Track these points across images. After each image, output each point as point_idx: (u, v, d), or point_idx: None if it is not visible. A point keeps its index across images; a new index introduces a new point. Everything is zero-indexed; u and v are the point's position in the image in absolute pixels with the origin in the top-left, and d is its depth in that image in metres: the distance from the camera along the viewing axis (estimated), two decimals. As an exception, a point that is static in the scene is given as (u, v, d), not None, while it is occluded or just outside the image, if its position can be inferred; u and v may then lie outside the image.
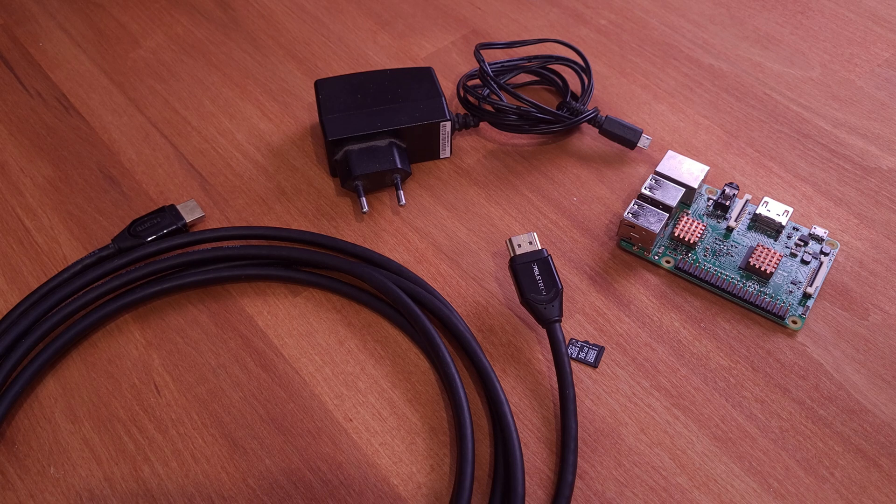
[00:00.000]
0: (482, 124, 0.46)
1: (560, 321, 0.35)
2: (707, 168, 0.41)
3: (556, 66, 0.48)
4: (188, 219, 0.41)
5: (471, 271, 0.40)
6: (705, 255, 0.39)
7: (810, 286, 0.38)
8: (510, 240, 0.37)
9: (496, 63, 0.47)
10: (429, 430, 0.35)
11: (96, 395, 0.36)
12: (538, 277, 0.36)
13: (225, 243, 0.41)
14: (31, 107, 0.48)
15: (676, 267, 0.39)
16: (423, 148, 0.44)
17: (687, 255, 0.40)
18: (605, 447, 0.34)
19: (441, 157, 0.45)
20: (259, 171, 0.44)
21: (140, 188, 0.44)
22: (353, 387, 0.36)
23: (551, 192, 0.43)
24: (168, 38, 0.52)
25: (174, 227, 0.41)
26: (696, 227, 0.39)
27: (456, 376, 0.34)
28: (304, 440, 0.35)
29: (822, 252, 0.39)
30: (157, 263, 0.39)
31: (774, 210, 0.40)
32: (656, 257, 0.40)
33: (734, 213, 0.41)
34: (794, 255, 0.39)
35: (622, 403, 0.35)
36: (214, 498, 0.33)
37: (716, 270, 0.39)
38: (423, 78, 0.44)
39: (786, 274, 0.39)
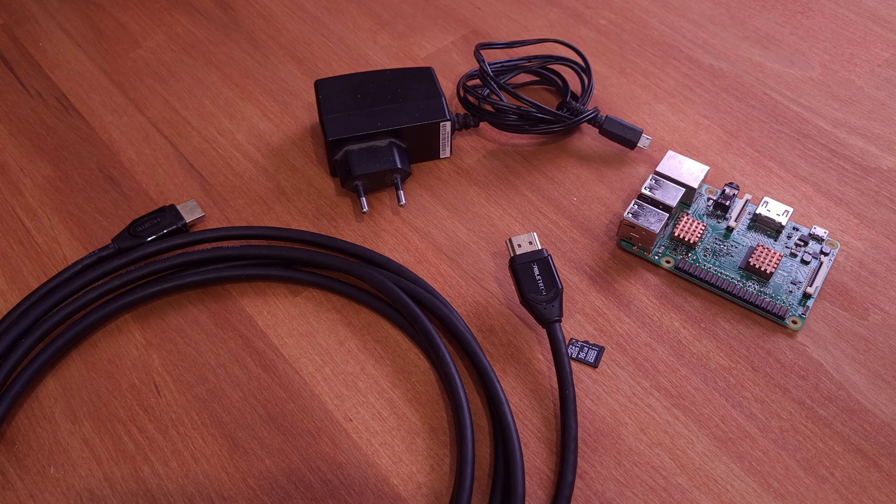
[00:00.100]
0: (482, 124, 0.46)
1: (560, 321, 0.35)
2: (707, 168, 0.41)
3: (556, 66, 0.48)
4: (188, 219, 0.41)
5: (471, 271, 0.40)
6: (705, 255, 0.39)
7: (810, 286, 0.38)
8: (510, 240, 0.37)
9: (496, 63, 0.47)
10: (429, 430, 0.35)
11: (96, 395, 0.36)
12: (538, 277, 0.36)
13: (225, 243, 0.41)
14: (31, 107, 0.48)
15: (676, 267, 0.39)
16: (423, 148, 0.44)
17: (687, 255, 0.40)
18: (605, 447, 0.34)
19: (441, 157, 0.45)
20: (259, 171, 0.44)
21: (140, 188, 0.44)
22: (353, 387, 0.36)
23: (551, 192, 0.43)
24: (168, 38, 0.52)
25: (174, 227, 0.41)
26: (696, 227, 0.39)
27: (456, 376, 0.34)
28: (304, 440, 0.35)
29: (822, 252, 0.39)
30: (157, 263, 0.39)
31: (774, 210, 0.40)
32: (656, 257, 0.40)
33: (734, 213, 0.41)
34: (794, 255, 0.39)
35: (622, 403, 0.35)
36: (214, 498, 0.33)
37: (716, 270, 0.39)
38: (423, 78, 0.44)
39: (786, 274, 0.39)
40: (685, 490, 0.33)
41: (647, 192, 0.40)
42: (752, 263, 0.38)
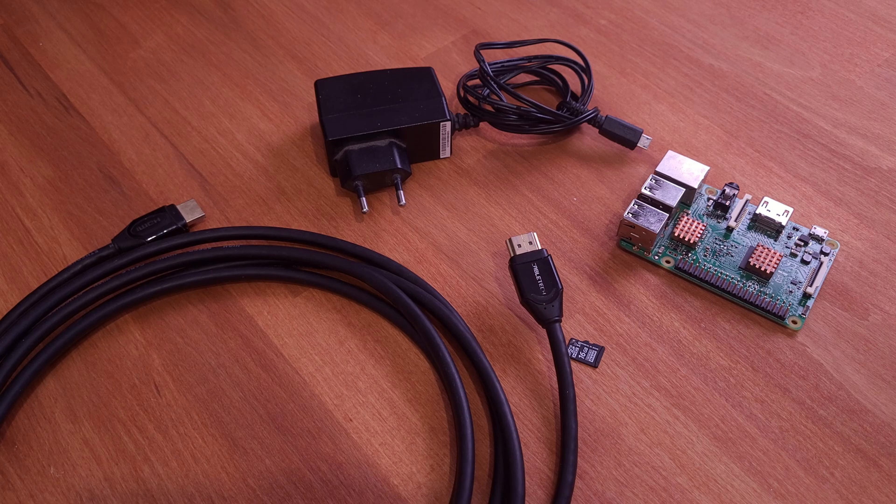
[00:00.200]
0: (482, 124, 0.46)
1: (560, 321, 0.35)
2: (707, 168, 0.41)
3: (556, 66, 0.48)
4: (188, 219, 0.41)
5: (471, 271, 0.40)
6: (705, 255, 0.39)
7: (810, 286, 0.38)
8: (510, 240, 0.37)
9: (496, 63, 0.47)
10: (429, 430, 0.35)
11: (96, 395, 0.36)
12: (538, 277, 0.36)
13: (225, 243, 0.41)
14: (31, 107, 0.48)
15: (676, 267, 0.39)
16: (423, 148, 0.44)
17: (687, 255, 0.40)
18: (605, 447, 0.34)
19: (441, 157, 0.45)
20: (259, 171, 0.44)
21: (140, 188, 0.44)
22: (353, 387, 0.36)
23: (551, 192, 0.43)
24: (168, 38, 0.52)
25: (174, 227, 0.41)
26: (696, 227, 0.39)
27: (456, 376, 0.34)
28: (304, 440, 0.35)
29: (822, 252, 0.39)
30: (157, 263, 0.39)
31: (774, 210, 0.40)
32: (656, 257, 0.40)
33: (734, 213, 0.41)
34: (794, 255, 0.39)
35: (622, 403, 0.35)
36: (214, 498, 0.33)
37: (716, 270, 0.39)
38: (423, 78, 0.44)
39: (786, 274, 0.39)
40: (685, 490, 0.33)
41: (647, 192, 0.40)
42: (752, 263, 0.38)
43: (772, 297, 0.38)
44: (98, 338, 0.38)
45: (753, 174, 0.44)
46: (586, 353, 0.37)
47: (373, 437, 0.35)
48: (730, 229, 0.40)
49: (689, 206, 0.41)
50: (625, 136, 0.44)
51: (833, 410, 0.35)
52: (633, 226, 0.39)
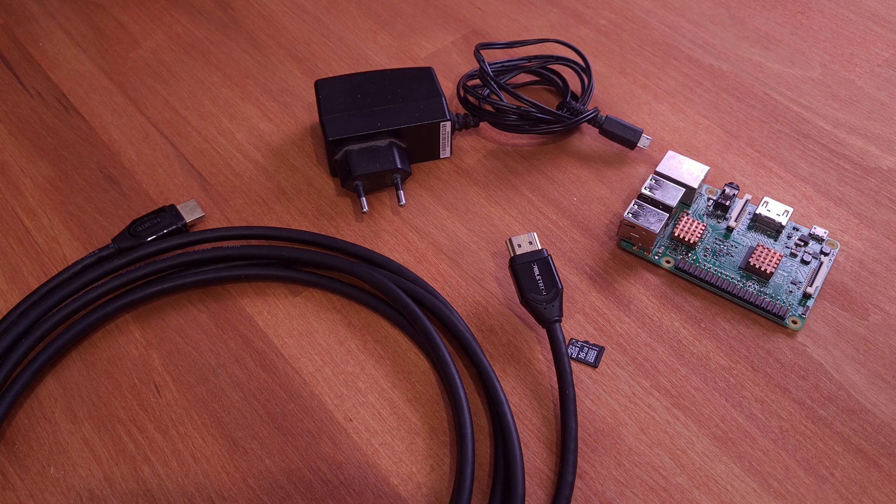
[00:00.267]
0: (482, 124, 0.46)
1: (560, 321, 0.35)
2: (707, 168, 0.41)
3: (556, 66, 0.48)
4: (188, 219, 0.41)
5: (471, 271, 0.40)
6: (705, 255, 0.39)
7: (810, 286, 0.38)
8: (510, 240, 0.37)
9: (496, 63, 0.47)
10: (429, 430, 0.35)
11: (96, 395, 0.36)
12: (538, 277, 0.36)
13: (225, 243, 0.41)
14: (31, 107, 0.48)
15: (676, 267, 0.39)
16: (423, 148, 0.44)
17: (687, 255, 0.40)
18: (605, 447, 0.34)
19: (441, 157, 0.45)
20: (259, 171, 0.44)
21: (140, 188, 0.44)
22: (353, 387, 0.36)
23: (551, 192, 0.43)
24: (168, 38, 0.52)
25: (174, 227, 0.41)
26: (696, 227, 0.39)
27: (456, 376, 0.34)
28: (304, 440, 0.35)
29: (822, 252, 0.39)
30: (157, 263, 0.39)
31: (774, 210, 0.40)
32: (656, 257, 0.40)
33: (734, 213, 0.41)
34: (794, 255, 0.39)
35: (622, 403, 0.35)
36: (214, 498, 0.33)
37: (716, 270, 0.39)
38: (423, 78, 0.44)
39: (786, 274, 0.39)
40: (685, 490, 0.33)
41: (647, 192, 0.40)
42: (752, 263, 0.38)
43: (772, 297, 0.38)
44: (98, 338, 0.38)
45: (753, 174, 0.44)
46: (586, 353, 0.37)
47: (373, 437, 0.35)
48: (730, 229, 0.40)
49: (689, 206, 0.41)
50: (625, 136, 0.44)
51: (833, 410, 0.35)
52: (633, 226, 0.39)
